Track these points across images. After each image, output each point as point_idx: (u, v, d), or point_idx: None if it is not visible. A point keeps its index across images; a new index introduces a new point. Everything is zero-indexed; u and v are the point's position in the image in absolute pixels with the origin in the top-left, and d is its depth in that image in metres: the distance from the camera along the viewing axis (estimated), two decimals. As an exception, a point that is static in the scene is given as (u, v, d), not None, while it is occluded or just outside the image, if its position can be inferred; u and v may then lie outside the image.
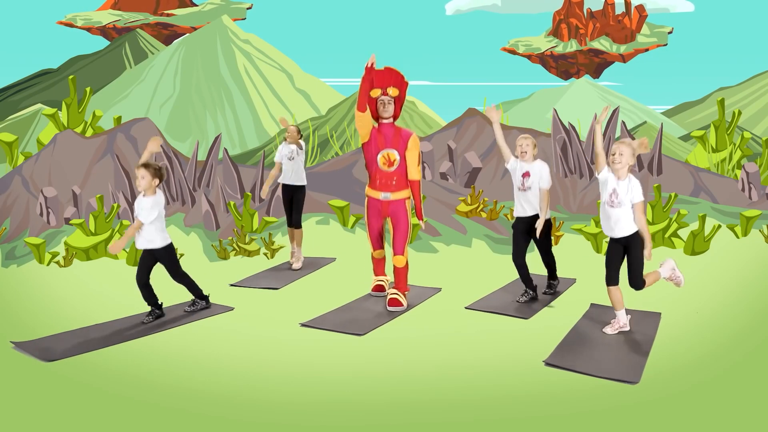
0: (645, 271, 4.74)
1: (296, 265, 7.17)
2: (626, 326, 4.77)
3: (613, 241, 4.67)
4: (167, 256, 5.33)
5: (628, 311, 4.91)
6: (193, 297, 5.66)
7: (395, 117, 5.57)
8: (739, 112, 10.82)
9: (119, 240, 5.04)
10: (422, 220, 5.70)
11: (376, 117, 5.55)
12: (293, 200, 7.23)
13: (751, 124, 36.83)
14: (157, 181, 5.16)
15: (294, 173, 7.20)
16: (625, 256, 4.67)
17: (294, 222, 7.24)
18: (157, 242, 5.23)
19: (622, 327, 4.76)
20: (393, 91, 5.46)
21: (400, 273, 5.61)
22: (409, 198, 5.62)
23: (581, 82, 45.56)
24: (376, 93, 5.46)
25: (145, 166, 5.14)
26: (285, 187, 7.27)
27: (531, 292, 5.65)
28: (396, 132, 5.52)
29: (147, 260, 5.30)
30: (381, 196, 5.57)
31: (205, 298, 5.69)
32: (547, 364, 4.15)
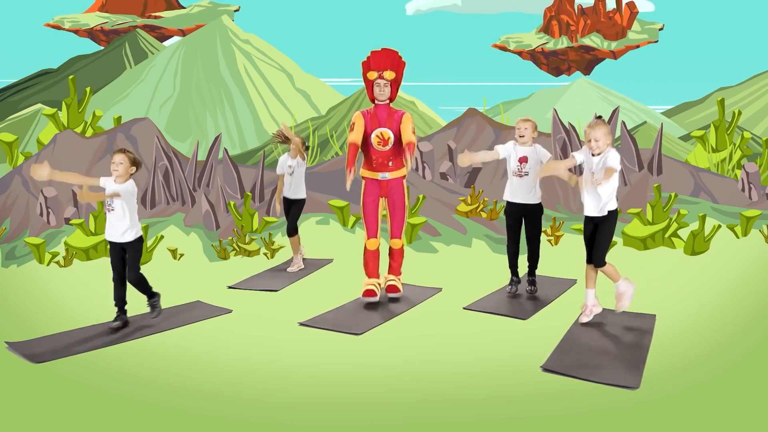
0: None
1: (290, 269, 7.14)
2: (596, 306, 4.91)
3: (588, 219, 4.76)
4: (137, 247, 5.12)
5: (621, 312, 4.99)
6: (148, 300, 5.33)
7: (391, 99, 5.60)
8: (739, 112, 10.82)
9: (88, 193, 4.86)
10: (411, 158, 5.48)
11: (373, 99, 5.58)
12: (290, 211, 7.24)
13: (751, 124, 36.77)
14: (134, 169, 5.03)
15: (294, 187, 7.19)
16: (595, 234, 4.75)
17: (288, 229, 7.21)
18: (129, 235, 5.04)
19: (592, 308, 4.88)
20: (389, 75, 5.48)
21: (397, 255, 5.83)
22: (405, 176, 5.69)
23: (581, 82, 45.51)
24: (372, 76, 5.49)
25: (124, 151, 5.02)
26: (285, 199, 7.29)
27: (516, 279, 5.78)
28: (390, 113, 5.55)
29: (118, 254, 5.12)
30: (379, 176, 5.59)
31: (155, 294, 5.35)
32: (545, 369, 4.10)
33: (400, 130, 5.52)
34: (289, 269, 7.14)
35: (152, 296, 5.36)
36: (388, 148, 5.54)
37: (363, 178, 5.72)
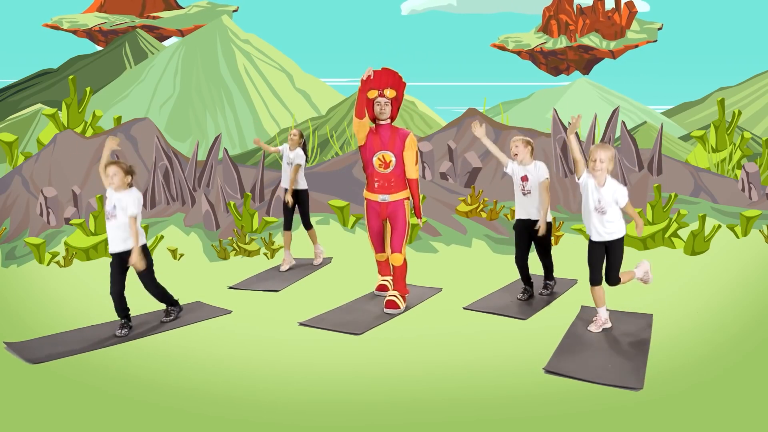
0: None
1: (315, 262, 7.36)
2: (608, 322, 4.83)
3: (595, 243, 4.69)
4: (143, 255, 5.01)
5: (618, 313, 5.01)
6: (166, 306, 5.42)
7: (392, 118, 5.54)
8: (739, 112, 10.82)
9: (136, 253, 4.86)
10: (421, 219, 5.72)
11: (374, 118, 5.52)
12: (298, 205, 7.24)
13: (751, 124, 36.81)
14: (129, 178, 4.99)
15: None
16: (605, 256, 4.70)
17: (305, 225, 7.32)
18: (126, 244, 4.92)
19: (604, 323, 4.81)
20: (390, 93, 5.45)
21: (398, 273, 5.59)
22: (407, 198, 5.61)
23: (581, 82, 45.54)
24: (373, 94, 5.45)
25: (116, 163, 4.96)
26: (287, 191, 7.26)
27: (530, 290, 5.75)
28: (393, 133, 5.48)
29: (118, 265, 4.98)
30: (379, 198, 5.55)
31: (177, 303, 5.48)
32: (547, 371, 4.09)
33: (404, 156, 5.47)
34: (315, 262, 7.35)
35: (173, 304, 5.44)
36: (389, 170, 5.50)
37: (365, 199, 5.69)
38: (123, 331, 5.02)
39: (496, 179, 9.56)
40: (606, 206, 4.55)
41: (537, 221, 5.50)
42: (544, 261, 5.75)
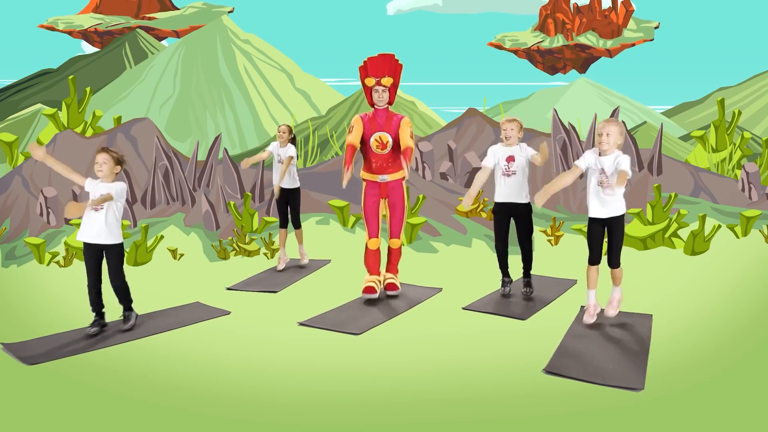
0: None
1: (303, 261, 7.29)
2: (597, 307, 4.90)
3: (594, 220, 4.68)
4: (119, 252, 4.94)
5: (618, 313, 5.00)
6: (123, 310, 5.13)
7: (390, 103, 5.69)
8: (739, 112, 10.82)
9: (76, 205, 4.58)
10: (408, 162, 5.45)
11: (372, 104, 5.67)
12: (290, 203, 7.21)
13: (751, 124, 36.78)
14: (118, 168, 4.92)
15: (287, 176, 7.12)
16: (605, 235, 4.71)
17: (294, 223, 7.24)
18: (112, 237, 4.86)
19: (595, 312, 4.87)
20: (387, 81, 5.56)
21: (395, 254, 5.90)
22: (404, 178, 5.73)
23: (581, 82, 45.52)
24: (371, 82, 5.58)
25: (106, 150, 4.87)
26: (280, 190, 7.19)
27: (508, 279, 5.78)
28: (388, 117, 5.64)
29: (97, 257, 4.89)
30: (378, 178, 5.69)
31: (131, 309, 5.18)
32: (547, 371, 4.08)
33: (399, 133, 5.58)
34: (301, 262, 7.26)
35: (129, 309, 5.16)
36: (386, 151, 5.64)
37: (363, 180, 5.80)
38: (94, 329, 4.94)
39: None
40: (610, 177, 4.50)
41: (519, 204, 5.46)
42: (526, 246, 5.60)
